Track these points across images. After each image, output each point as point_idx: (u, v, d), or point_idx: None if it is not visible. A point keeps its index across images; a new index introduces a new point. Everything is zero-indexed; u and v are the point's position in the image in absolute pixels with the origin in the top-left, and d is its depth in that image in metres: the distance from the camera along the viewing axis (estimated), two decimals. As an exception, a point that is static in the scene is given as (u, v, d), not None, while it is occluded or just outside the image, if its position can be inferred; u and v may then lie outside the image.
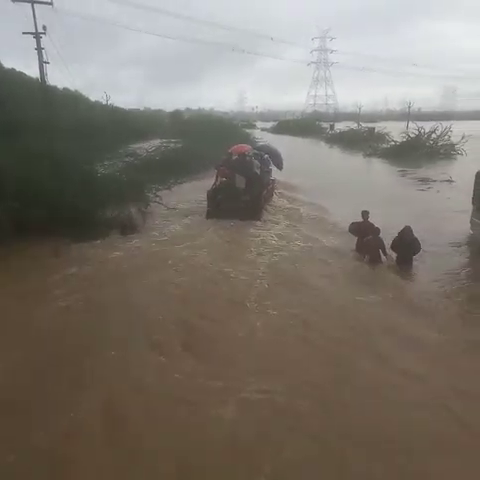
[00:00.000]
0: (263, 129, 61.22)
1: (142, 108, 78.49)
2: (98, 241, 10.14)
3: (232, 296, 7.44)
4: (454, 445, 4.29)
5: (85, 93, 44.90)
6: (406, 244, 8.92)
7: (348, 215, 10.92)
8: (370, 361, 5.59)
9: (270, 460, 4.06)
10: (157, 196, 13.08)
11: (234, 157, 13.65)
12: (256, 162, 13.92)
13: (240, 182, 12.94)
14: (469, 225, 10.70)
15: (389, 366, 5.51)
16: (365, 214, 9.93)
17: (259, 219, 12.46)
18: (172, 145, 23.57)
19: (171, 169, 17.26)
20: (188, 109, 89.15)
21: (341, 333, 6.26)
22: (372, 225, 9.60)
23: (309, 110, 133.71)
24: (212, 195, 12.88)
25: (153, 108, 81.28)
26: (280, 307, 6.99)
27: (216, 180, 13.53)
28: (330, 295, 7.62)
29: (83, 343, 5.83)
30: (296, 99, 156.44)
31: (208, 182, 13.98)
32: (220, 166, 13.65)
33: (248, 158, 13.74)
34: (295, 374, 5.30)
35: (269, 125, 67.96)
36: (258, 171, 13.71)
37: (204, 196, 13.11)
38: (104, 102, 43.86)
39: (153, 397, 4.88)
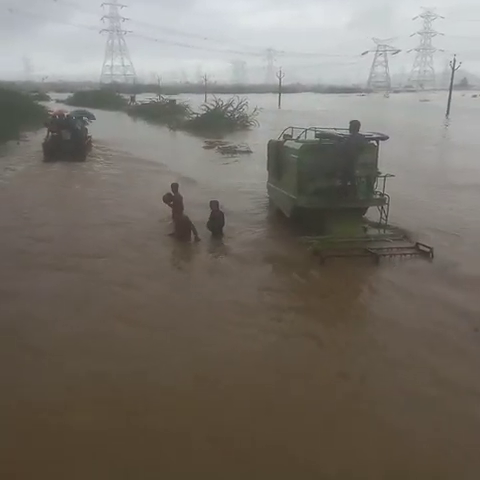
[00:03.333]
0: (58, 101, 56.21)
1: None
2: None
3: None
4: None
5: None
6: (215, 218, 9.26)
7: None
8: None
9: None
10: None
11: (58, 117, 19.33)
12: (78, 121, 19.68)
13: (66, 135, 18.16)
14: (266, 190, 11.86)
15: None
16: (174, 187, 9.97)
17: (84, 160, 17.90)
18: None
19: None
20: (-38, 77, 76.20)
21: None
22: (181, 200, 9.79)
23: (107, 81, 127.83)
24: (46, 146, 17.97)
25: None
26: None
27: (47, 135, 18.57)
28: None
29: None
30: (91, 69, 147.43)
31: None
32: (49, 124, 18.95)
33: (71, 118, 19.54)
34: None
35: (65, 96, 62.67)
36: (79, 127, 19.29)
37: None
38: None
39: None
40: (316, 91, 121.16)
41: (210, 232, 9.26)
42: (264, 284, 7.28)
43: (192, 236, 9.00)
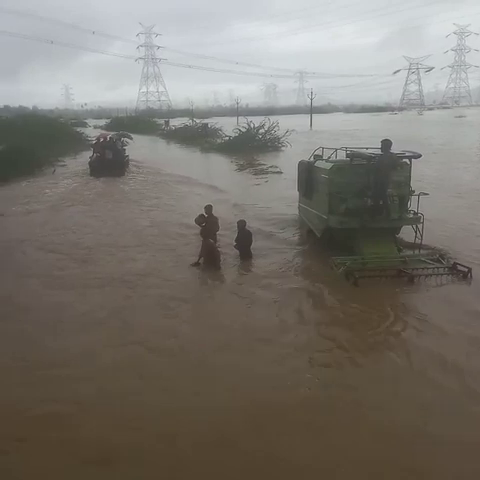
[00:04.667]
0: (96, 127, 58.42)
1: None
2: None
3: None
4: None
5: None
6: (242, 237, 9.23)
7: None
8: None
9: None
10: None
11: (101, 140, 22.91)
12: (118, 142, 23.48)
13: (109, 155, 21.56)
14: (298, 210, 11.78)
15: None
16: (208, 208, 9.85)
17: (123, 175, 21.04)
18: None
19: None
20: (6, 107, 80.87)
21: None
22: (216, 222, 9.67)
23: (142, 107, 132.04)
24: (92, 163, 21.40)
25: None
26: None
27: (93, 154, 22.28)
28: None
29: None
30: (128, 96, 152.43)
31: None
32: (94, 146, 22.86)
33: (113, 140, 23.17)
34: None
35: (102, 122, 65.06)
36: (120, 148, 23.04)
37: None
38: None
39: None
40: (348, 111, 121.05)
41: (237, 251, 9.23)
42: (295, 307, 7.12)
43: (219, 263, 8.75)
